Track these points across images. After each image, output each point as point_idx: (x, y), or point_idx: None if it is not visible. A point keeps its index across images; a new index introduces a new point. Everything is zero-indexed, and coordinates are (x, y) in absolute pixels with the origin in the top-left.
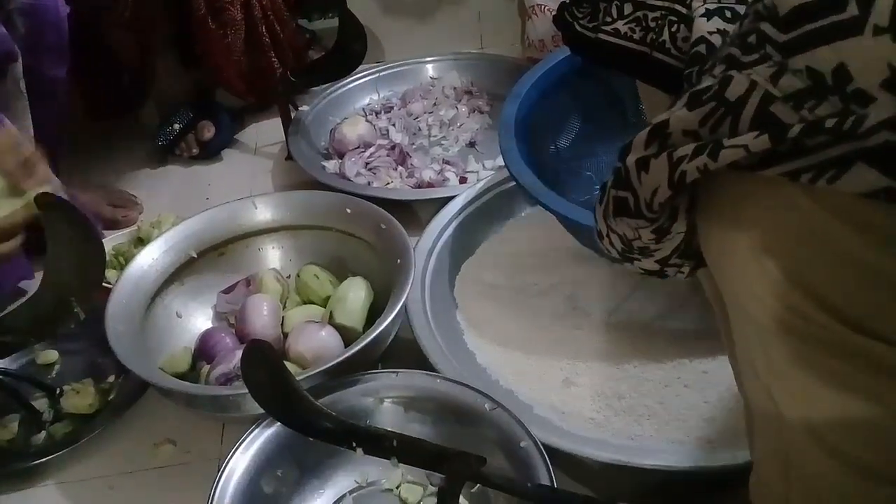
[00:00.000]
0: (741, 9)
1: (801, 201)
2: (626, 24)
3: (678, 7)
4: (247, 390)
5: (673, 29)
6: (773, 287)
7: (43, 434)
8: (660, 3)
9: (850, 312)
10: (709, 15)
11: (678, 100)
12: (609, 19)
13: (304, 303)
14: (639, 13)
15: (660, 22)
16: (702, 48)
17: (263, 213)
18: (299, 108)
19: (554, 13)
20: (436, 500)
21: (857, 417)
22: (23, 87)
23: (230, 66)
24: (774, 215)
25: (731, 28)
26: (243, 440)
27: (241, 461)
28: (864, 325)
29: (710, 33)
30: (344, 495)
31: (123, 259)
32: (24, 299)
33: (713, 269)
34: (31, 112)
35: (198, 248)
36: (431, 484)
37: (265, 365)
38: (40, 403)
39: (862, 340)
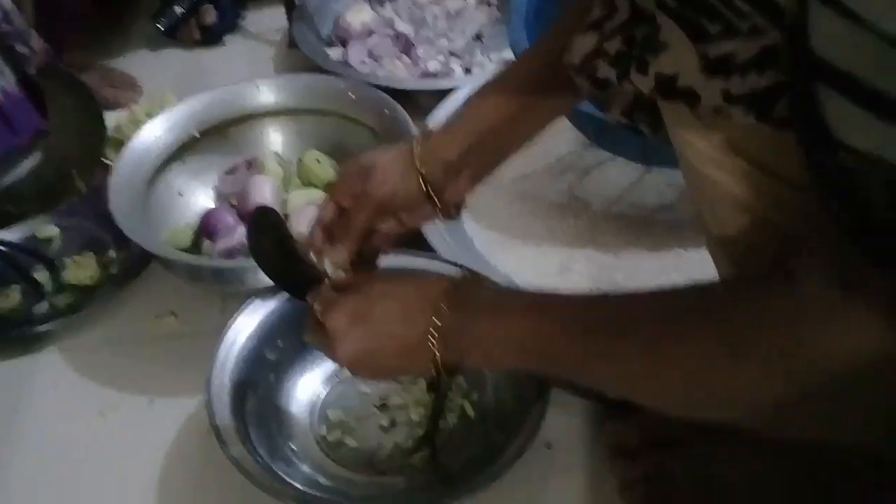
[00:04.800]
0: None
1: None
2: None
3: None
4: (251, 263)
5: None
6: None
7: (45, 304)
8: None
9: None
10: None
11: None
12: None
13: (306, 186)
14: None
15: None
16: None
17: (266, 95)
18: None
19: None
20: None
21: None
22: None
23: None
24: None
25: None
26: (245, 307)
27: (243, 327)
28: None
29: None
30: None
31: (123, 138)
32: (26, 170)
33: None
34: None
35: (200, 128)
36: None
37: (271, 231)
38: (41, 275)
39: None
